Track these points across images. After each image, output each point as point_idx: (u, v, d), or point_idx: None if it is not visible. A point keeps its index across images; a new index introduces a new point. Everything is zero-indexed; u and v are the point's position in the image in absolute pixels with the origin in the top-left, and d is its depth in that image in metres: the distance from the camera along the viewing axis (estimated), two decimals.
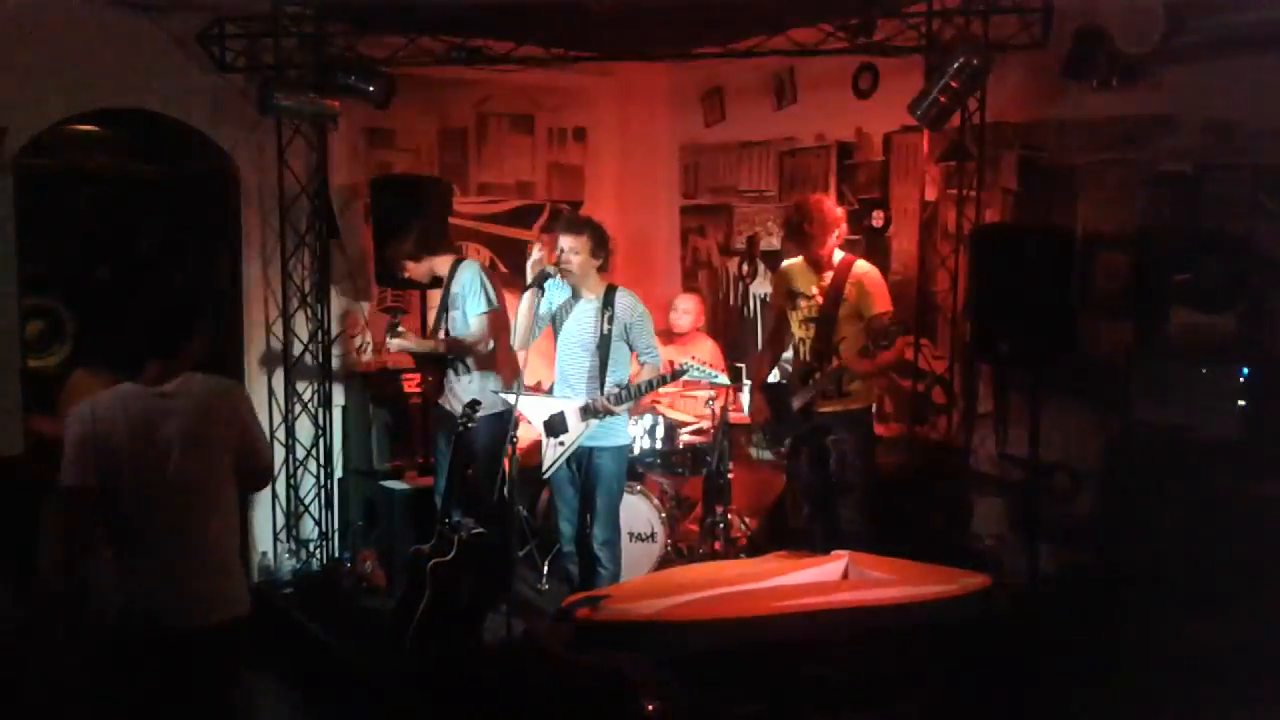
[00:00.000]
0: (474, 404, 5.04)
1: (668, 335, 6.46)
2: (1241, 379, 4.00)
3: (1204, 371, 4.11)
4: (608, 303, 4.91)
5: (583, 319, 4.95)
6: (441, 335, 5.45)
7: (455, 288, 5.38)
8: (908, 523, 5.23)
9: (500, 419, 5.08)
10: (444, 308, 5.45)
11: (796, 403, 4.91)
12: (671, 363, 4.93)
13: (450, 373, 5.40)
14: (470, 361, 5.34)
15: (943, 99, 4.98)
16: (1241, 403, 3.99)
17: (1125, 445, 4.39)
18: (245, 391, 3.82)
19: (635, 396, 4.86)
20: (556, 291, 4.99)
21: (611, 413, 4.80)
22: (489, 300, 5.24)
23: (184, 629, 3.20)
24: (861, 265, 5.00)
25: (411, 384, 6.18)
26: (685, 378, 4.92)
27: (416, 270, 5.49)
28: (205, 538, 3.25)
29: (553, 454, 4.92)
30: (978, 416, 5.44)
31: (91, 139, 6.71)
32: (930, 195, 5.70)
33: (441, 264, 5.48)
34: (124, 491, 3.16)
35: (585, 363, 4.93)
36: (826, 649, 3.92)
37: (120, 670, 3.25)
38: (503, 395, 5.06)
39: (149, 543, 3.21)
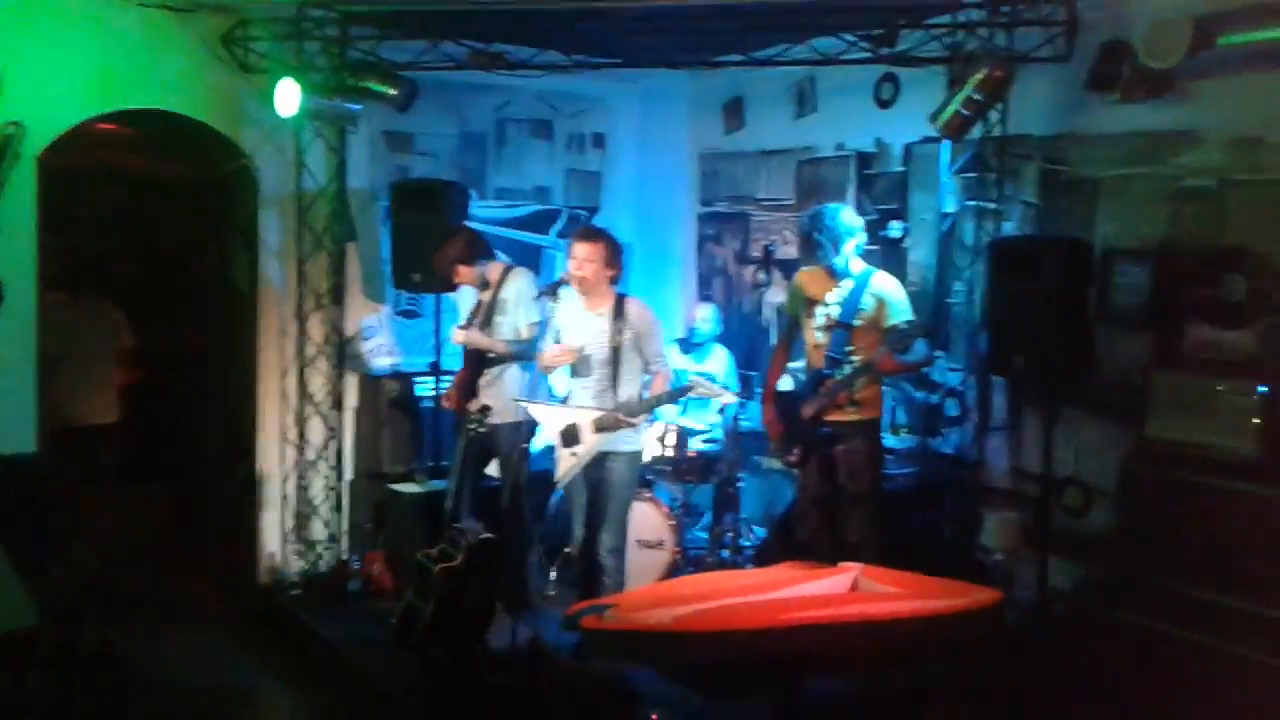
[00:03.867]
0: (485, 409, 5.03)
1: (685, 344, 6.43)
2: (1259, 396, 3.95)
3: (1221, 388, 4.06)
4: (619, 313, 4.88)
5: (594, 331, 4.93)
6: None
7: (506, 294, 5.36)
8: (919, 536, 5.19)
9: (518, 427, 5.09)
10: (489, 313, 5.42)
11: (807, 411, 4.87)
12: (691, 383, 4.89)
13: (487, 375, 5.37)
14: (505, 369, 5.34)
15: (965, 110, 4.94)
16: (1257, 420, 3.93)
17: (1139, 461, 4.33)
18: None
19: (649, 409, 4.84)
20: (568, 303, 4.97)
21: (630, 425, 4.78)
22: (541, 310, 5.22)
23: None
24: (881, 276, 4.94)
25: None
26: (691, 395, 4.91)
27: (467, 275, 5.44)
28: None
29: (566, 464, 4.89)
30: (991, 429, 5.39)
31: (115, 138, 6.76)
32: (949, 207, 5.66)
33: (493, 270, 5.47)
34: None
35: (597, 375, 4.91)
36: (835, 662, 3.88)
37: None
38: (521, 403, 5.03)
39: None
